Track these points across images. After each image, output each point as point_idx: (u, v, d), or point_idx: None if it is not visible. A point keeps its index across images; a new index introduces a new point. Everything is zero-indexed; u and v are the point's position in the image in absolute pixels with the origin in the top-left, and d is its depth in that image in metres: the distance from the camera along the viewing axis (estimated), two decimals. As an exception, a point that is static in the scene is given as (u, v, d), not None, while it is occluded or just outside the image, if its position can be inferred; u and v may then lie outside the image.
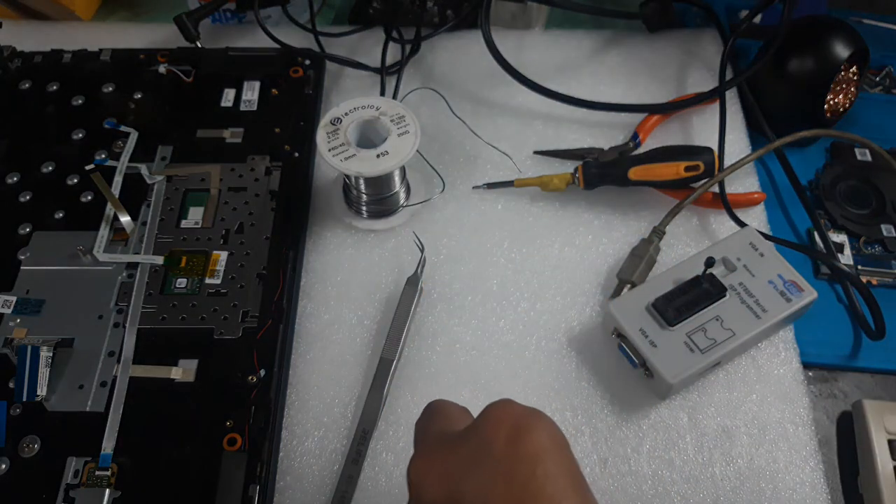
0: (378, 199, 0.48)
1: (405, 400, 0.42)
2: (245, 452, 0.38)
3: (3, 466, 0.38)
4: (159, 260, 0.45)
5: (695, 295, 0.42)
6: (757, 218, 0.50)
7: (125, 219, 0.46)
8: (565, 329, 0.45)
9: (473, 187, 0.51)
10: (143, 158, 0.50)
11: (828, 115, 0.54)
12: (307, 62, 0.55)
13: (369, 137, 0.45)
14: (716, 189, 0.49)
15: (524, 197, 0.51)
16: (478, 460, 0.25)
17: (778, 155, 0.51)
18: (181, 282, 0.44)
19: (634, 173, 0.48)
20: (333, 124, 0.45)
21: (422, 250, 0.46)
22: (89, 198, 0.48)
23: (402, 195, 0.49)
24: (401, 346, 0.43)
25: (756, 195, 0.50)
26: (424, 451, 0.28)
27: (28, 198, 0.48)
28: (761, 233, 0.45)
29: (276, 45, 0.55)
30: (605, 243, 0.49)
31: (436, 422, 0.29)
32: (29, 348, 0.40)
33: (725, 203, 0.49)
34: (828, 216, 0.50)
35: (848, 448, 0.42)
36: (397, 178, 0.47)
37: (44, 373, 0.40)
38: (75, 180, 0.48)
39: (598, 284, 0.47)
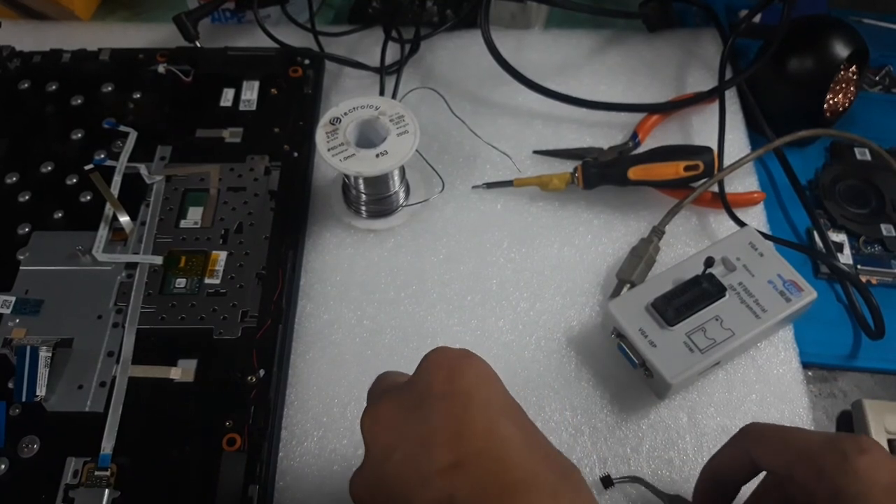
0: (377, 199, 0.48)
1: (405, 400, 0.42)
2: (244, 452, 0.38)
3: (3, 467, 0.38)
4: (158, 260, 0.45)
5: (694, 295, 0.42)
6: (756, 218, 0.50)
7: (124, 219, 0.46)
8: (565, 329, 0.45)
9: (473, 187, 0.51)
10: (143, 158, 0.49)
11: (827, 114, 0.54)
12: (306, 62, 0.55)
13: (369, 137, 0.45)
14: (715, 189, 0.49)
15: (524, 197, 0.51)
16: (419, 402, 0.28)
17: (777, 155, 0.51)
18: (180, 282, 0.44)
19: (634, 173, 0.48)
20: (333, 124, 0.45)
21: None
22: (88, 198, 0.48)
23: (402, 195, 0.49)
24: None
25: (756, 195, 0.50)
26: (373, 404, 0.30)
27: (27, 198, 0.48)
28: (761, 232, 0.45)
29: (276, 45, 0.55)
30: (605, 243, 0.49)
31: (383, 382, 0.32)
32: (28, 348, 0.40)
33: (725, 203, 0.49)
34: (827, 216, 0.50)
35: (848, 448, 0.42)
36: (397, 178, 0.47)
37: (43, 373, 0.40)
38: (74, 180, 0.48)
39: (597, 284, 0.47)
